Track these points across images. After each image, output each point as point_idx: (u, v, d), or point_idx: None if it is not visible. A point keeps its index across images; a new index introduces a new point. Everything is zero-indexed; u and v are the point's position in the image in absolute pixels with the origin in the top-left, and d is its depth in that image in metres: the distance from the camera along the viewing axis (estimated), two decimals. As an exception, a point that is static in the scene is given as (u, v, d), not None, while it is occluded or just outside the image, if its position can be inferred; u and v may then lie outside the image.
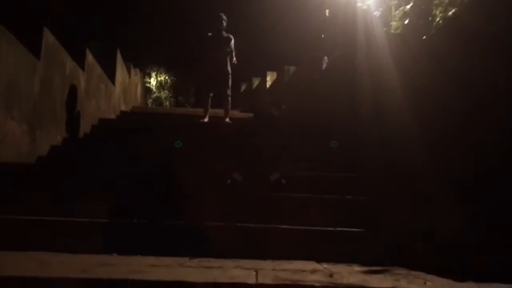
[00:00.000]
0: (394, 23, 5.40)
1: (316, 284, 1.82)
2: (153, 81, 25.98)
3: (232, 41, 7.42)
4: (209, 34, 7.46)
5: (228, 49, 7.38)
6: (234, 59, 7.46)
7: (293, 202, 3.44)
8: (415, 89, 4.34)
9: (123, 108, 9.27)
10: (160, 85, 26.31)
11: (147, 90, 23.61)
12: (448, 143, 3.77)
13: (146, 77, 23.94)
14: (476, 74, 3.47)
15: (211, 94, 7.68)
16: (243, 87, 15.30)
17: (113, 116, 8.09)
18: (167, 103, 25.65)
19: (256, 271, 2.12)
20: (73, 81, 5.83)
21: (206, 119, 7.54)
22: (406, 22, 4.90)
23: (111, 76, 8.20)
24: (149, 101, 24.34)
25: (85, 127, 6.43)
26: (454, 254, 2.77)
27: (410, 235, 2.93)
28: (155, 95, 25.91)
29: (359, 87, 5.68)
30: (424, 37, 4.32)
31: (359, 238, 2.92)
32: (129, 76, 10.54)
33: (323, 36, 9.90)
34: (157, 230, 2.97)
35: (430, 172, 3.85)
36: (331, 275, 2.09)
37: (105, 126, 6.85)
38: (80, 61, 6.26)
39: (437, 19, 4.29)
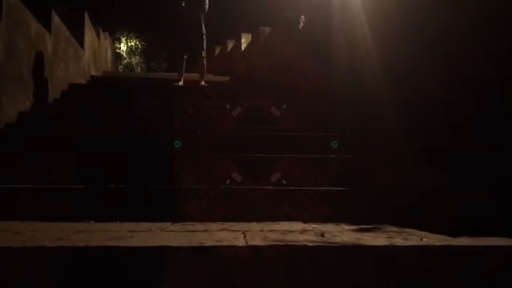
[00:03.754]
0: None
1: (309, 244, 1.72)
2: (123, 47, 25.31)
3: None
4: (184, -7, 7.16)
5: (204, 7, 7.12)
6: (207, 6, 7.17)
7: (275, 161, 3.33)
8: (389, 50, 4.28)
9: (93, 73, 8.95)
10: (130, 51, 25.66)
11: (117, 56, 23.08)
12: (419, 103, 3.72)
13: (116, 42, 23.35)
14: (446, 37, 3.41)
15: (186, 56, 7.43)
16: (217, 51, 14.95)
17: (83, 81, 7.80)
18: (139, 69, 25.13)
19: (244, 233, 2.01)
20: (40, 44, 5.53)
21: (181, 83, 7.31)
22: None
23: (80, 40, 7.85)
24: (120, 67, 23.81)
25: (54, 92, 6.15)
26: (441, 209, 2.73)
27: (396, 192, 2.86)
28: (125, 61, 25.28)
29: (335, 48, 5.60)
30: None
31: (345, 196, 2.83)
32: (99, 40, 10.16)
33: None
34: (135, 196, 2.83)
35: (406, 132, 3.81)
36: (322, 234, 2.00)
37: (75, 92, 6.59)
38: (46, 23, 5.93)
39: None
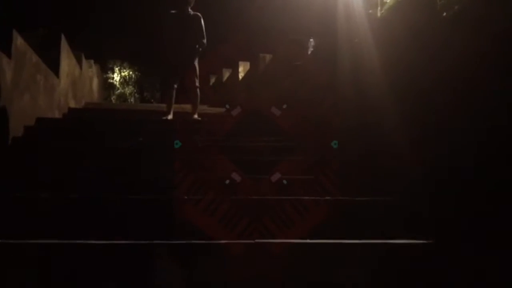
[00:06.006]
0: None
1: None
2: (116, 77, 24.58)
3: (202, 21, 6.15)
4: (172, 11, 6.17)
5: (196, 30, 6.11)
6: (205, 40, 6.21)
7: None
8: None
9: (72, 104, 7.89)
10: (124, 81, 24.95)
11: (110, 86, 22.49)
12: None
13: (109, 72, 22.86)
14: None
15: (176, 86, 6.40)
16: (213, 80, 14.08)
17: (57, 114, 6.72)
18: (132, 99, 24.48)
19: None
20: (-8, 70, 4.48)
21: (170, 116, 6.28)
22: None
23: (54, 67, 6.79)
24: (113, 97, 23.22)
25: (15, 129, 5.06)
26: None
27: None
28: (119, 91, 24.52)
29: (341, 80, 5.03)
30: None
31: None
32: (80, 68, 9.13)
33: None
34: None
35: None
36: None
37: (44, 128, 5.51)
38: (5, 46, 4.88)
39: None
